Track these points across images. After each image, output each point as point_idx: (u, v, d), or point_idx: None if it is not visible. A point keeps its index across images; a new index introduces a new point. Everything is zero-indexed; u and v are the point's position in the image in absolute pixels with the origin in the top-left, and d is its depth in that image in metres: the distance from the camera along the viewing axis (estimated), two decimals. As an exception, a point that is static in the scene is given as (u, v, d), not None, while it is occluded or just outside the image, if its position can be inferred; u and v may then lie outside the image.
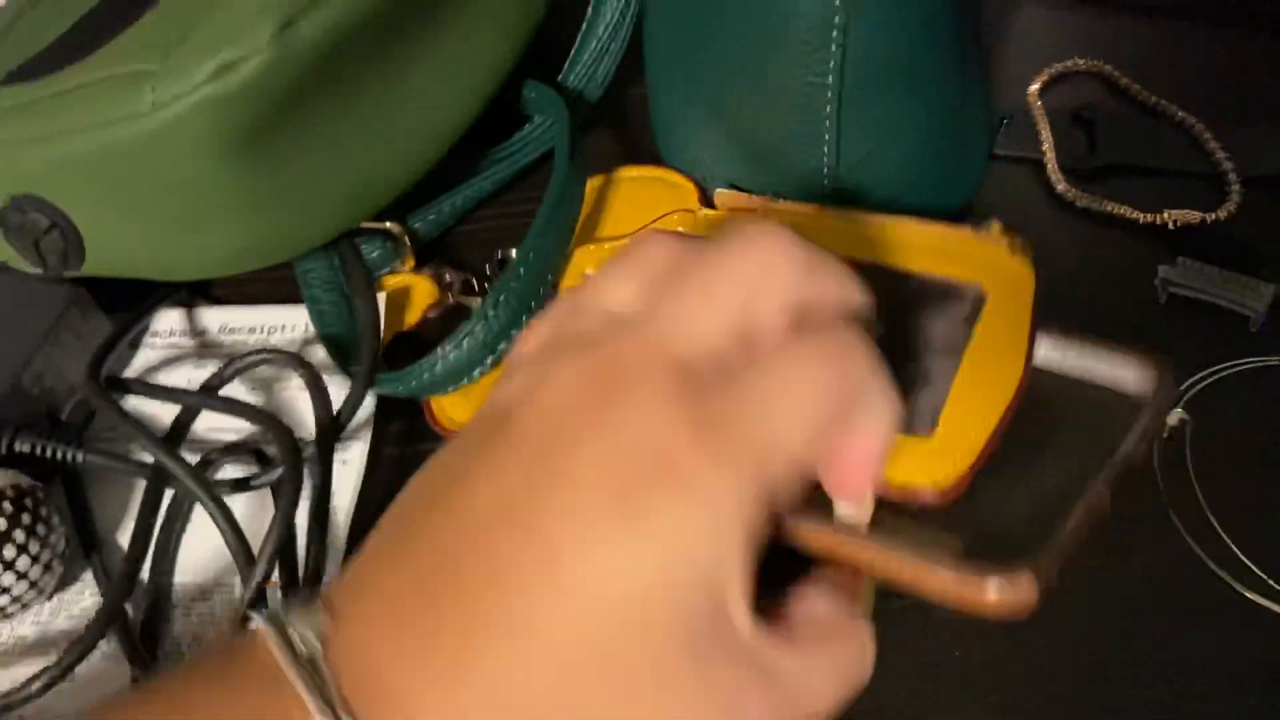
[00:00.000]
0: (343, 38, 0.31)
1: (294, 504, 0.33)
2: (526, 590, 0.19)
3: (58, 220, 0.33)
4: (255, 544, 0.32)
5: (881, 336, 0.23)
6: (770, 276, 0.21)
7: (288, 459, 0.33)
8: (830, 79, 0.32)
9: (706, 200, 0.39)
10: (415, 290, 0.39)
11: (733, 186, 0.37)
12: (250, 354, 0.37)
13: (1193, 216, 0.39)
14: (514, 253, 0.38)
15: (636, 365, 0.20)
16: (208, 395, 0.36)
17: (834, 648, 0.22)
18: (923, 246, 0.32)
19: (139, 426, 0.33)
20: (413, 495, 0.22)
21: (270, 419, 0.35)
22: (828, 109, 0.33)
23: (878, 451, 0.22)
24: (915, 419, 0.27)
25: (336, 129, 0.33)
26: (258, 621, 0.20)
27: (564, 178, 0.35)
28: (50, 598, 0.35)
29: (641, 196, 0.39)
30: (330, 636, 0.20)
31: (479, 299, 0.39)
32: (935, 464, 0.26)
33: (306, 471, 0.34)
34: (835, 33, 0.31)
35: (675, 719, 0.20)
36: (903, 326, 0.29)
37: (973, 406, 0.27)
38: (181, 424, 0.36)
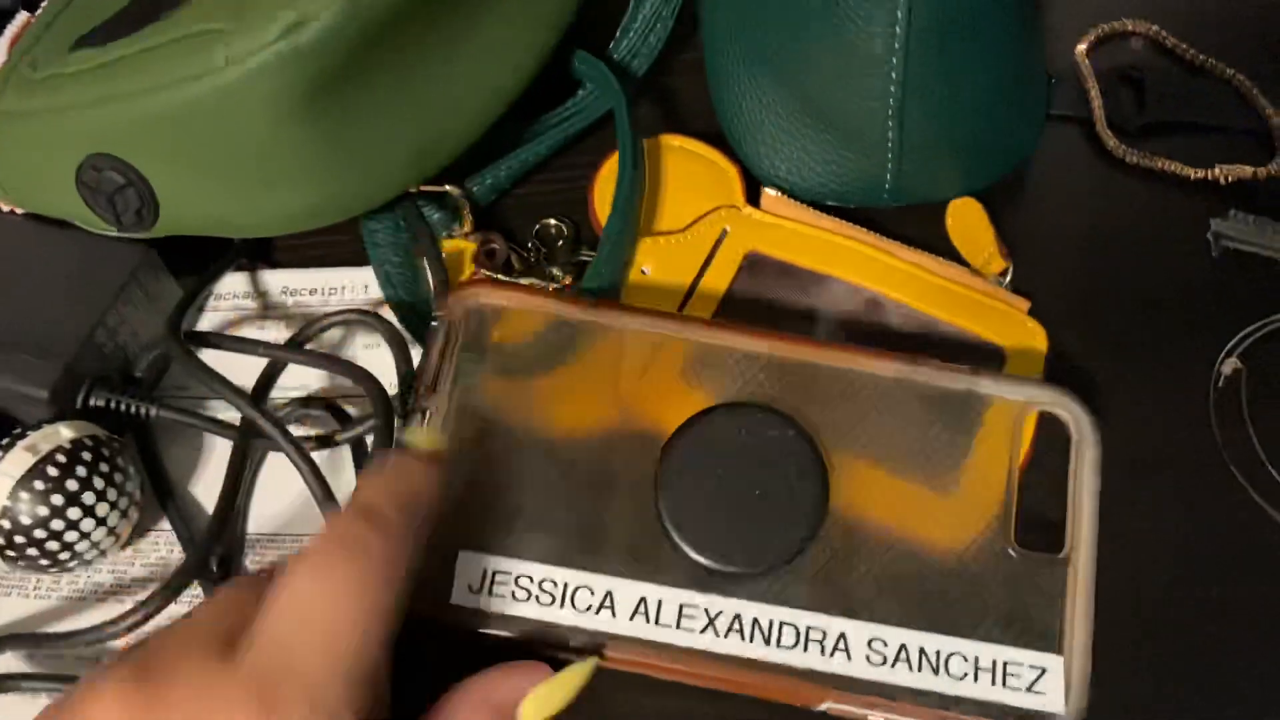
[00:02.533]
0: (409, -5, 0.32)
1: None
2: None
3: (132, 178, 0.34)
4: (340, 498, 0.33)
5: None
6: None
7: (381, 410, 0.33)
8: (898, 29, 0.33)
9: (751, 187, 0.39)
10: (467, 256, 0.40)
11: (778, 188, 0.38)
12: (333, 313, 0.37)
13: (1244, 171, 0.39)
14: (551, 222, 0.40)
15: None
16: (297, 350, 0.36)
17: None
18: (952, 296, 0.36)
19: (225, 382, 0.34)
20: None
21: (362, 372, 0.34)
22: (894, 60, 0.33)
23: None
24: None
25: (401, 86, 0.34)
26: None
27: (629, 179, 0.37)
28: (125, 547, 0.36)
29: (687, 177, 0.39)
30: None
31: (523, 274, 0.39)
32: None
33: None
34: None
35: None
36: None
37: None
38: (264, 381, 0.37)
